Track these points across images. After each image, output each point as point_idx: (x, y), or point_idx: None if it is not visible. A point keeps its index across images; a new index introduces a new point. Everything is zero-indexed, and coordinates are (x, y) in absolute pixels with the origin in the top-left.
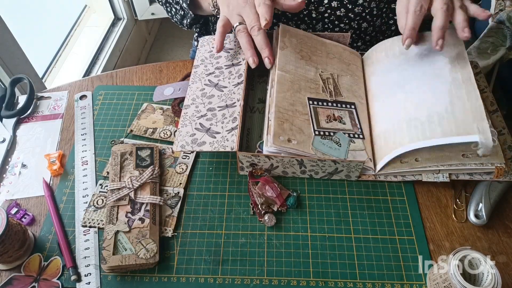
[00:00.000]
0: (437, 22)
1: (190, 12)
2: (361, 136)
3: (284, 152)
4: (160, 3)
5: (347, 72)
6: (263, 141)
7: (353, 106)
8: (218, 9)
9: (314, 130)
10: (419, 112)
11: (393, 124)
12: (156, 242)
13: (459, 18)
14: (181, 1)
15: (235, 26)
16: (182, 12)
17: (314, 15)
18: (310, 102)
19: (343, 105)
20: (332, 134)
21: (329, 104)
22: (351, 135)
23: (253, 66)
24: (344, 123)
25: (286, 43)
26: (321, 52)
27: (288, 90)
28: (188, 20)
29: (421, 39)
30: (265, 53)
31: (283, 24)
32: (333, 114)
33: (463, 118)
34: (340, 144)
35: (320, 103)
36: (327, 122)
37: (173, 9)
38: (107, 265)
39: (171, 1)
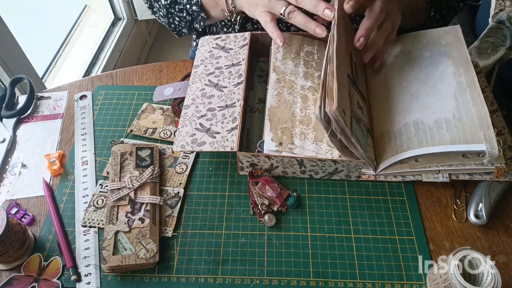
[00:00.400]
0: (367, 22)
1: (202, 13)
2: (370, 134)
3: (335, 123)
4: (160, 17)
5: (359, 67)
6: (263, 141)
7: (367, 102)
8: (237, 13)
9: (351, 111)
10: (426, 116)
11: (398, 126)
12: (156, 242)
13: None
14: (188, 6)
15: (283, 11)
16: (190, 18)
17: None
18: (349, 79)
19: (362, 97)
20: (360, 121)
21: (357, 90)
22: (367, 129)
23: (323, 35)
24: (364, 115)
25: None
26: (349, 36)
27: (339, 56)
28: (202, 23)
29: (420, 39)
30: (321, 7)
31: None
32: (358, 102)
33: (470, 125)
34: (364, 134)
35: (353, 85)
36: (357, 108)
37: (176, 19)
38: (107, 265)
39: (172, 11)
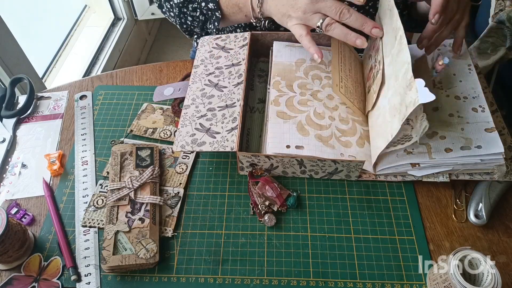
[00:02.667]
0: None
1: (217, 12)
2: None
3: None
4: (170, 17)
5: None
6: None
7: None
8: (265, 19)
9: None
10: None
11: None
12: (156, 242)
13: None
14: (203, 4)
15: (319, 24)
16: (204, 18)
17: None
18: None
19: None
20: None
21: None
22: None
23: (364, 45)
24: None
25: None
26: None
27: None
28: (216, 23)
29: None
30: (368, 26)
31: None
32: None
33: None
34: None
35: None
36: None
37: (189, 19)
38: (107, 265)
39: (185, 11)
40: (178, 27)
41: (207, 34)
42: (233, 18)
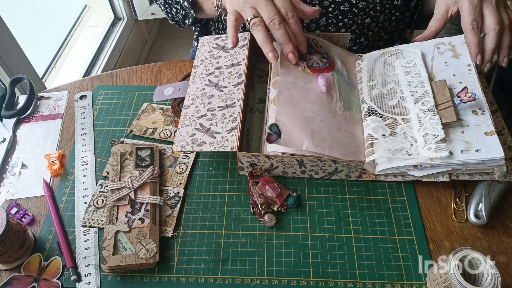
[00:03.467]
0: (488, 44)
1: (192, 11)
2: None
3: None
4: (159, 4)
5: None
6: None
7: None
8: (223, 9)
9: None
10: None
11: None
12: (156, 242)
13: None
14: (181, 1)
15: (249, 19)
16: (184, 12)
17: None
18: None
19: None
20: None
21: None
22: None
23: (273, 61)
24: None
25: None
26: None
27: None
28: (190, 20)
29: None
30: (288, 48)
31: None
32: None
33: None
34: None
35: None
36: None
37: (173, 10)
38: (107, 265)
39: (170, 2)
40: (166, 16)
41: (208, 32)
42: (205, 7)
